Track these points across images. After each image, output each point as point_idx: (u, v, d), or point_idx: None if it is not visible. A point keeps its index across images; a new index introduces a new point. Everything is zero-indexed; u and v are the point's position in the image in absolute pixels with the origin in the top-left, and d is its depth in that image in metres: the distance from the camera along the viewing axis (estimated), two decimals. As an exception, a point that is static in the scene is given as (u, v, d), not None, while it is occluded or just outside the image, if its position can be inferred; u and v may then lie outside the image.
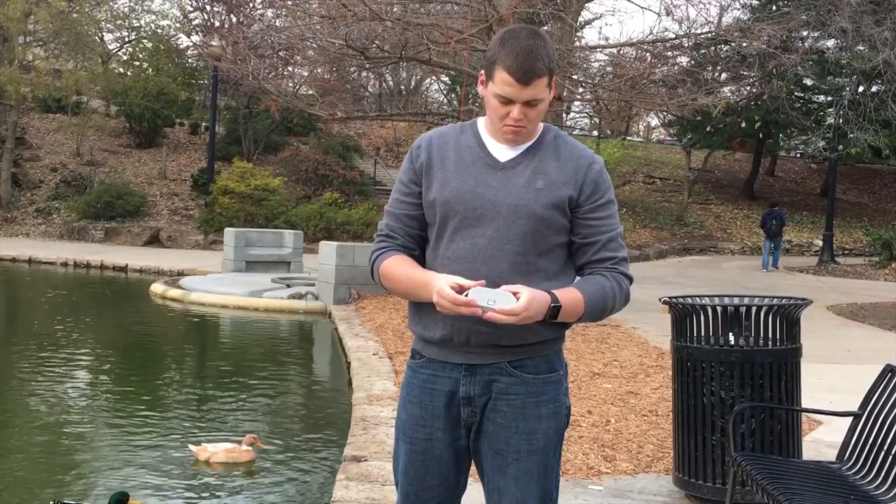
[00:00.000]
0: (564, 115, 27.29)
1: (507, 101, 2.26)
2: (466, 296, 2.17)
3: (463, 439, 2.40)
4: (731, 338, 4.22)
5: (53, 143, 31.73)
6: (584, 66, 16.41)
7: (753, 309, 4.24)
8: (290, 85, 24.41)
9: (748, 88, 21.50)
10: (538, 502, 2.35)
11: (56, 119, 33.08)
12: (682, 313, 4.32)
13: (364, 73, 31.54)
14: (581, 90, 16.30)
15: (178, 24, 34.20)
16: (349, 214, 24.79)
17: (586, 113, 34.99)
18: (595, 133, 38.81)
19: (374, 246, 2.47)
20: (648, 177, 36.11)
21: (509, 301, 2.16)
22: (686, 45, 18.02)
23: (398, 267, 2.38)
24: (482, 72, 2.34)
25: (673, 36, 16.17)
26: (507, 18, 11.39)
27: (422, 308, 2.38)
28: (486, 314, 2.16)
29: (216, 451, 5.61)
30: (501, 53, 2.24)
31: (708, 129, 24.17)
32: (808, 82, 29.50)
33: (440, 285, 2.20)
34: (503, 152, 2.36)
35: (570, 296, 2.28)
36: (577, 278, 2.42)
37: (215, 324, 12.57)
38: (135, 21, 33.39)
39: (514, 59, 2.21)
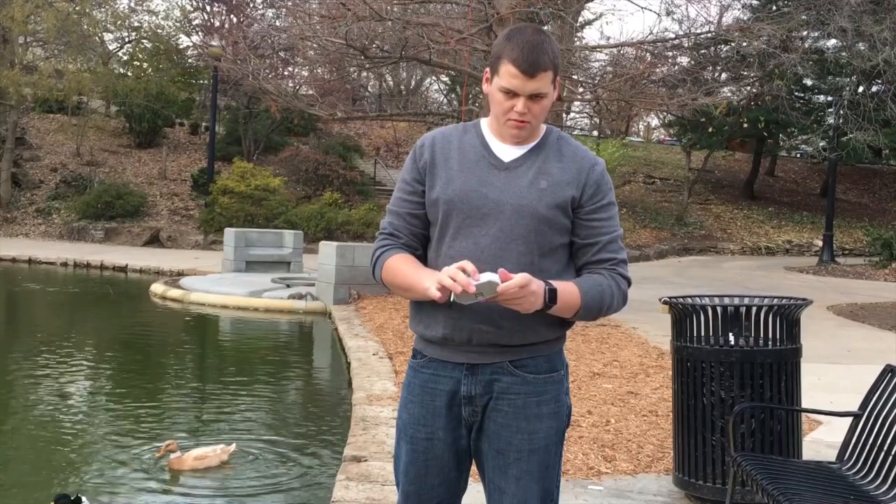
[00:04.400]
0: (564, 115, 27.26)
1: (512, 95, 2.27)
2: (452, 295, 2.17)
3: (464, 439, 2.40)
4: (731, 338, 4.22)
5: (53, 143, 31.70)
6: (585, 65, 16.39)
7: (753, 309, 4.24)
8: (290, 85, 24.39)
9: (748, 88, 21.50)
10: (539, 502, 2.35)
11: (56, 119, 33.06)
12: (682, 313, 4.32)
13: (364, 73, 31.53)
14: (581, 90, 16.29)
15: (177, 24, 34.20)
16: (349, 214, 24.79)
17: (586, 113, 34.97)
18: (595, 133, 38.77)
19: (377, 244, 2.47)
20: (648, 177, 36.10)
21: (495, 285, 2.14)
22: (686, 45, 18.03)
23: (403, 265, 2.37)
24: (487, 69, 2.36)
25: (673, 36, 16.19)
26: (507, 18, 11.39)
27: (423, 307, 2.38)
28: (499, 294, 2.13)
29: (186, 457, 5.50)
30: (507, 47, 2.26)
31: (710, 129, 24.17)
32: (808, 82, 29.52)
33: (441, 274, 2.18)
34: (507, 152, 2.37)
35: (564, 284, 2.28)
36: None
37: (215, 324, 12.57)
38: (136, 22, 33.39)
39: (519, 52, 2.24)
